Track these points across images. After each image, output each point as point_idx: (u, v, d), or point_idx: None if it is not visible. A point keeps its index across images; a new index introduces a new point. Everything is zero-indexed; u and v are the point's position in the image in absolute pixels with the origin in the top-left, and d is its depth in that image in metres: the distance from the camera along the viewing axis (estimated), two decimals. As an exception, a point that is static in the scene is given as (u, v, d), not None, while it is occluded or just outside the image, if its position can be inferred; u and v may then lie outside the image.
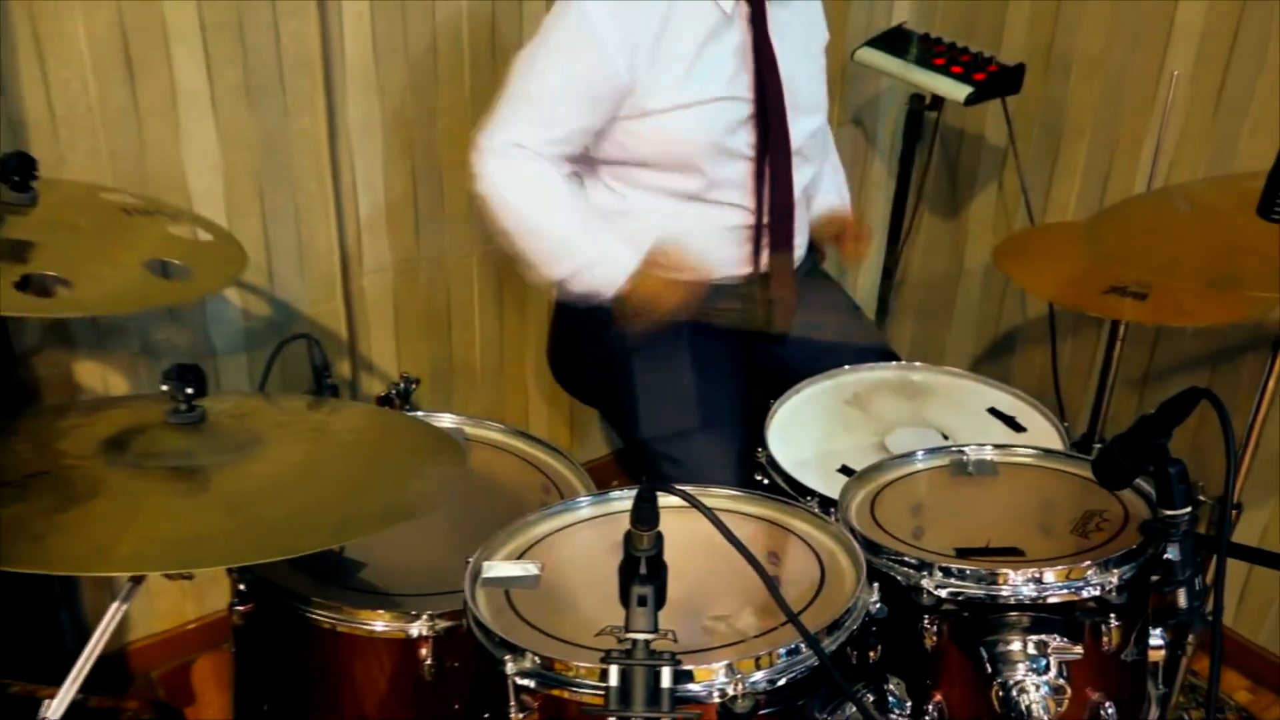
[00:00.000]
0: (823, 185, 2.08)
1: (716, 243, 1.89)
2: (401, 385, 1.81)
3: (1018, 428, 1.73)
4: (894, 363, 1.90)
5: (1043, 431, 1.72)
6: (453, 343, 2.35)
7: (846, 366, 1.86)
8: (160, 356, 1.97)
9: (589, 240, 1.81)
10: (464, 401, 2.40)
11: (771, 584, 1.01)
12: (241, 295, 2.03)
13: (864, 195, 2.60)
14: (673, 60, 1.75)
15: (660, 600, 1.02)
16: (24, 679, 1.81)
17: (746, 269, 1.92)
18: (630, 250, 1.80)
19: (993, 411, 1.77)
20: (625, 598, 1.01)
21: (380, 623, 1.38)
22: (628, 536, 1.01)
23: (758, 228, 1.89)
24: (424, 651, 1.37)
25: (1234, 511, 1.72)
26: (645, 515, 0.99)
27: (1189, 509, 1.14)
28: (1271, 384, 1.56)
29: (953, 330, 2.65)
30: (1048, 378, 2.32)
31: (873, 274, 2.51)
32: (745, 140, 1.83)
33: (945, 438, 1.70)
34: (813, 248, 2.07)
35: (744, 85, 1.81)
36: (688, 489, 1.08)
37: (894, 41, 2.21)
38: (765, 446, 1.68)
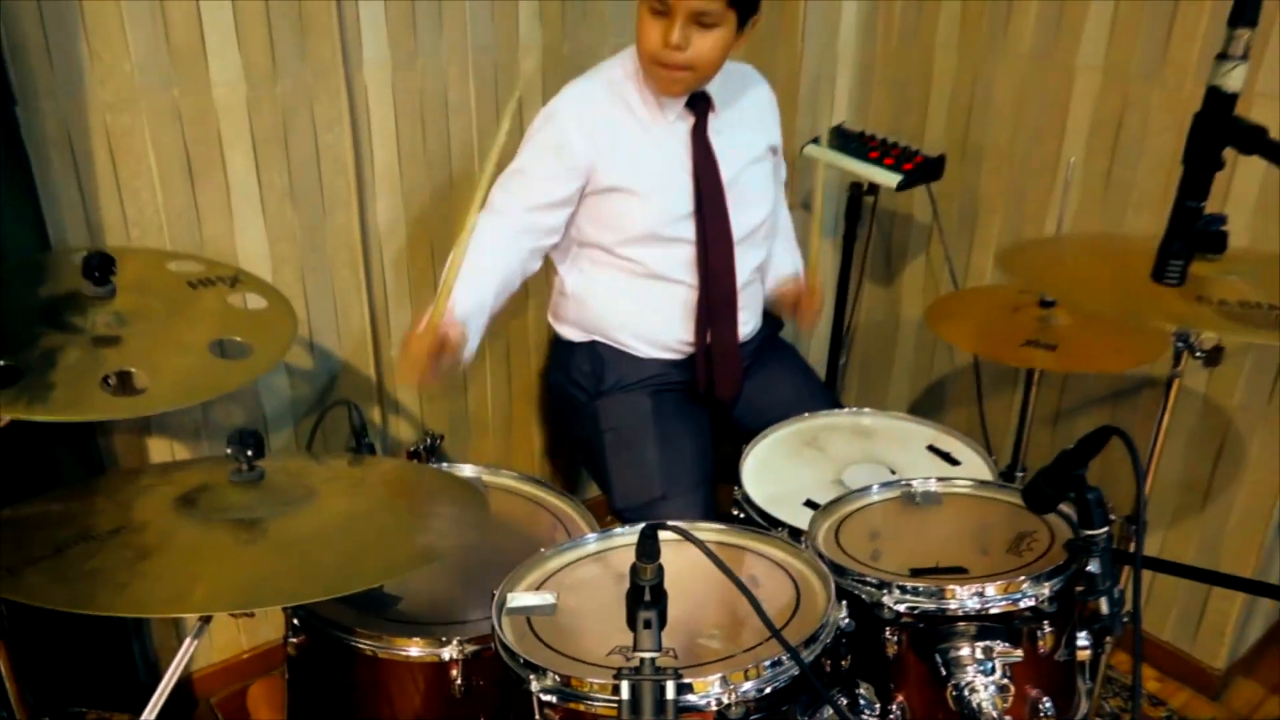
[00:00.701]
0: (778, 259, 2.07)
1: (666, 319, 1.89)
2: (428, 440, 1.79)
3: (953, 461, 1.73)
4: (845, 409, 1.90)
5: (975, 464, 1.72)
6: (468, 399, 2.34)
7: (805, 414, 1.85)
8: (219, 425, 1.95)
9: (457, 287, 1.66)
10: (479, 451, 2.38)
11: (759, 606, 1.00)
12: (288, 368, 2.02)
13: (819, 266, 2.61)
14: (623, 147, 1.78)
15: (662, 623, 1.01)
16: (99, 707, 1.77)
17: (693, 343, 1.90)
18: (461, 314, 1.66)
19: (931, 448, 1.77)
20: (632, 622, 1.00)
21: (415, 648, 1.36)
22: (633, 569, 1.00)
23: (703, 307, 1.87)
24: (454, 673, 1.35)
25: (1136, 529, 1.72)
26: (648, 551, 0.98)
27: (1106, 528, 1.14)
28: (1166, 419, 1.57)
29: (893, 379, 2.65)
30: (975, 418, 2.33)
31: (824, 336, 2.51)
32: (688, 229, 1.83)
33: (893, 472, 1.70)
34: (769, 318, 2.07)
35: (685, 182, 1.81)
36: (682, 525, 1.07)
37: (835, 139, 2.23)
38: (740, 486, 1.67)
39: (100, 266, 1.42)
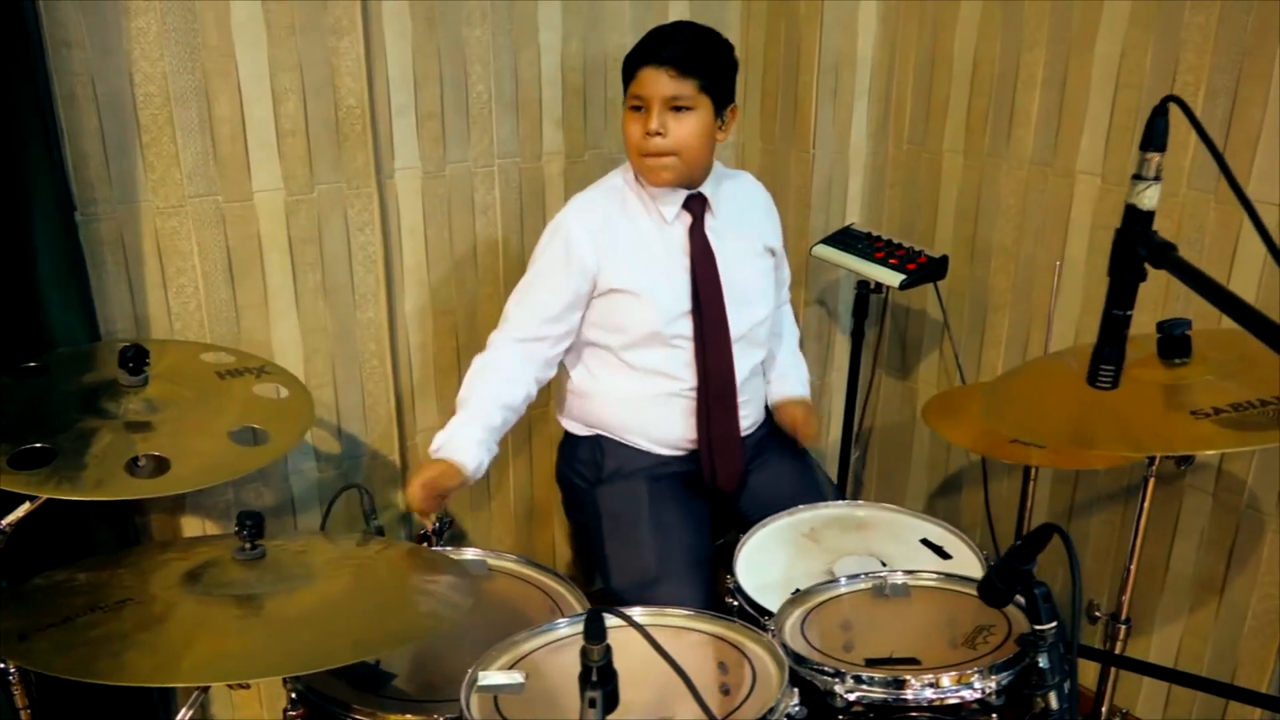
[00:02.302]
0: (780, 370, 2.12)
1: (668, 419, 1.95)
2: (437, 524, 1.87)
3: (945, 555, 1.74)
4: (842, 501, 1.92)
5: (966, 559, 1.73)
6: (490, 488, 2.41)
7: (802, 505, 1.88)
8: (249, 506, 2.03)
9: (458, 420, 1.81)
10: (500, 538, 2.44)
11: (694, 689, 1.04)
12: (315, 452, 2.12)
13: (828, 361, 2.66)
14: (625, 251, 1.87)
15: (612, 703, 1.05)
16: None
17: (695, 437, 1.96)
18: (459, 451, 1.76)
19: (925, 542, 1.78)
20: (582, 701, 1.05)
21: None
22: (582, 650, 1.05)
23: (702, 403, 1.93)
24: (440, 750, 1.40)
25: (1123, 626, 1.70)
26: (594, 633, 1.03)
27: (1054, 624, 1.15)
28: (1143, 521, 1.57)
29: (911, 472, 2.66)
30: (983, 512, 2.33)
31: (836, 429, 2.55)
32: (686, 326, 1.89)
33: (884, 564, 1.71)
34: (771, 412, 2.12)
35: (684, 280, 1.89)
36: (628, 611, 1.12)
37: (842, 239, 2.30)
38: (733, 574, 1.71)
39: (135, 358, 1.55)
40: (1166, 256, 0.95)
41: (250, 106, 1.85)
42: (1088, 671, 2.07)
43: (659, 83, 1.78)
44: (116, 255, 1.80)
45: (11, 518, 1.47)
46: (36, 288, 1.65)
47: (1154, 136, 1.00)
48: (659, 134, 1.80)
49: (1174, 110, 0.98)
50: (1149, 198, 1.00)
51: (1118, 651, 1.68)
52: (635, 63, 1.82)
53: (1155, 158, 1.00)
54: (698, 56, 1.80)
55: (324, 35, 1.89)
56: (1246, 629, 2.01)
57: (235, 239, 1.91)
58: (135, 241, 1.81)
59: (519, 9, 2.11)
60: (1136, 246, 0.99)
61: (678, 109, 1.80)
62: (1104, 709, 1.79)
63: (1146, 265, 0.98)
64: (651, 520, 1.87)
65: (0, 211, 1.59)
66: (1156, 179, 1.01)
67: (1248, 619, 2.01)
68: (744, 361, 1.95)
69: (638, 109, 1.82)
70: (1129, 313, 1.05)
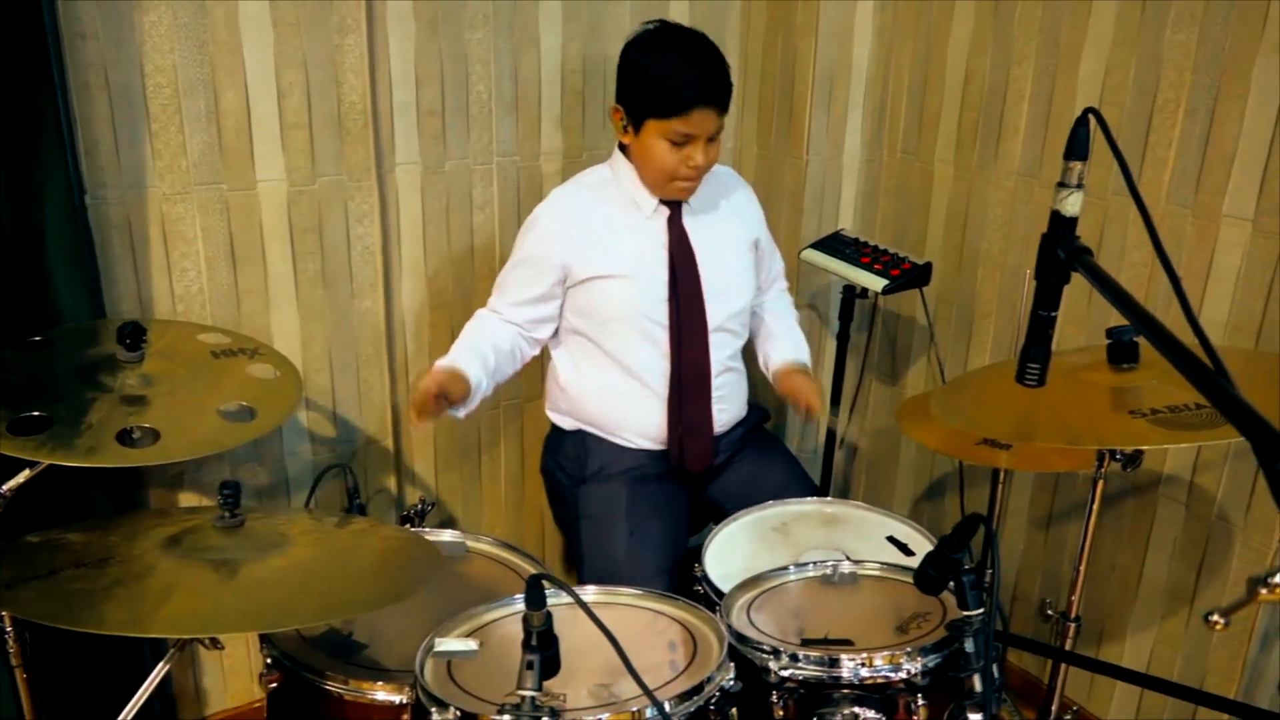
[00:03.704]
0: (779, 341, 2.17)
1: (645, 409, 2.01)
2: (419, 506, 1.94)
3: (909, 552, 1.79)
4: (813, 497, 1.98)
5: (929, 556, 1.78)
6: (482, 478, 2.48)
7: (773, 501, 1.94)
8: (246, 483, 2.11)
9: (452, 351, 1.92)
10: (491, 525, 2.51)
11: (626, 658, 1.09)
12: (311, 435, 2.20)
13: (816, 364, 2.69)
14: (600, 240, 1.93)
15: (551, 668, 1.12)
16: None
17: (667, 420, 2.02)
18: (459, 361, 1.87)
19: (890, 539, 1.83)
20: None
21: (380, 692, 1.45)
22: (524, 617, 1.12)
23: (674, 389, 1.99)
24: (405, 717, 1.45)
25: (1073, 624, 1.75)
26: (534, 599, 1.10)
27: (981, 610, 1.20)
28: (1093, 519, 1.62)
29: (899, 474, 2.71)
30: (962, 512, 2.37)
31: (822, 431, 2.59)
32: (663, 314, 1.96)
33: (847, 558, 1.77)
34: (755, 410, 2.18)
35: (662, 266, 1.95)
36: (568, 585, 1.19)
37: (831, 244, 2.35)
38: (701, 563, 1.77)
39: (132, 335, 1.64)
40: (1081, 260, 1.01)
41: (256, 99, 1.94)
42: (1042, 667, 2.10)
43: (708, 121, 1.84)
44: (123, 238, 1.89)
45: (12, 483, 1.55)
46: (45, 267, 1.74)
47: (1075, 146, 1.05)
48: (704, 167, 1.88)
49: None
50: (1071, 204, 1.06)
51: (1067, 648, 1.72)
52: (688, 103, 1.81)
53: (1077, 166, 1.05)
54: (731, 89, 1.87)
55: (329, 33, 1.97)
56: (1215, 637, 2.04)
57: (238, 226, 1.99)
58: (142, 225, 1.90)
59: (520, 12, 2.19)
60: (1057, 249, 1.04)
61: (711, 138, 1.88)
62: (1054, 706, 1.83)
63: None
64: (628, 526, 1.93)
65: (14, 193, 1.68)
66: (1079, 186, 1.06)
67: (1216, 629, 2.04)
68: (720, 352, 2.01)
69: (679, 144, 1.86)
70: (1054, 314, 1.10)
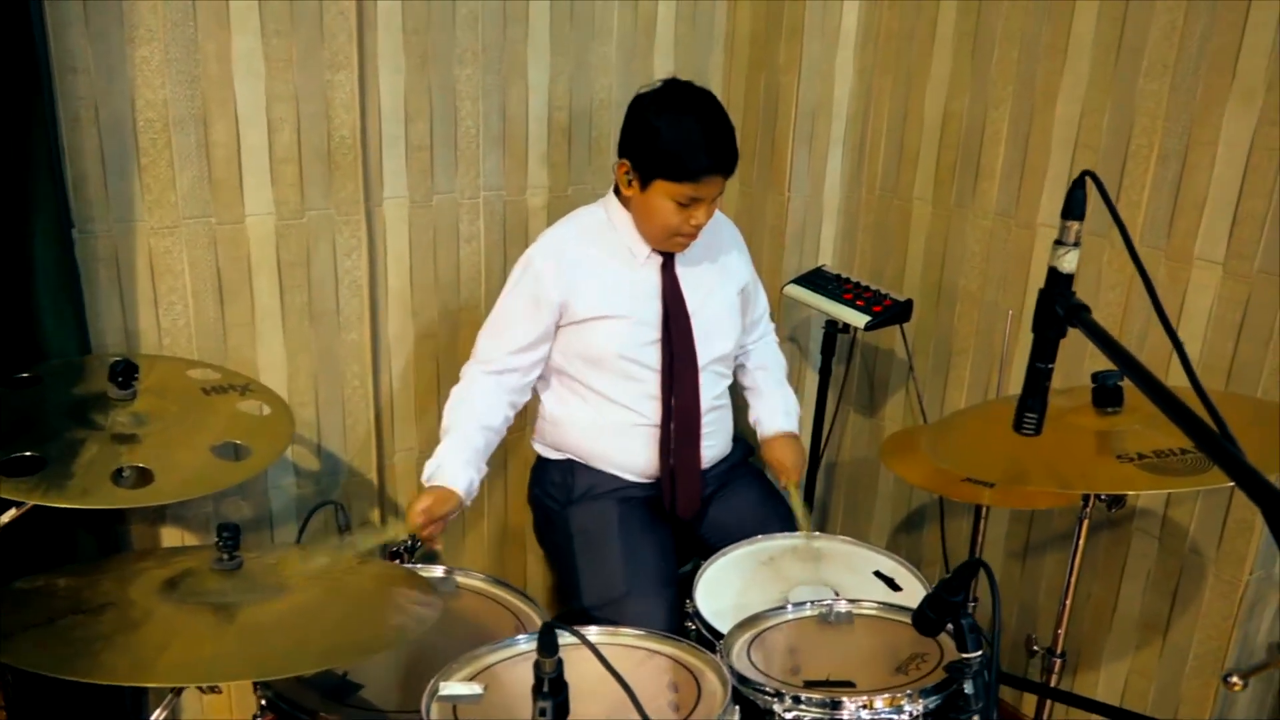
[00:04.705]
0: (768, 404, 2.20)
1: (634, 448, 2.04)
2: (409, 542, 1.93)
3: (896, 588, 1.82)
4: (800, 532, 2.00)
5: (916, 591, 1.80)
6: (465, 509, 2.48)
7: (761, 535, 1.96)
8: (228, 518, 2.09)
9: (444, 447, 1.92)
10: (473, 557, 2.51)
11: (638, 704, 1.11)
12: (295, 468, 2.19)
13: (796, 393, 2.74)
14: (594, 283, 1.96)
15: (562, 713, 1.13)
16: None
17: (658, 464, 2.04)
18: (450, 477, 1.86)
19: (878, 574, 1.86)
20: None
21: None
22: (535, 663, 1.12)
23: (666, 430, 2.02)
24: (400, 758, 1.46)
25: (1059, 660, 1.79)
26: (547, 646, 1.11)
27: (979, 652, 1.23)
28: (1079, 557, 1.66)
29: (877, 506, 2.75)
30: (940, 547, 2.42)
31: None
32: (653, 356, 1.99)
33: (836, 594, 1.79)
34: (739, 443, 2.20)
35: (654, 311, 1.98)
36: (581, 630, 1.20)
37: (813, 280, 2.40)
38: (692, 599, 1.78)
39: (124, 372, 1.62)
40: (1080, 317, 1.05)
41: (246, 134, 1.94)
42: (1028, 703, 2.15)
43: (715, 185, 1.90)
44: (110, 272, 1.88)
45: (-1, 522, 1.54)
46: (33, 300, 1.73)
47: (1073, 206, 1.09)
48: (702, 224, 1.92)
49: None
50: (1069, 261, 1.10)
51: (1052, 684, 1.76)
52: (701, 170, 1.86)
53: (1075, 226, 1.09)
54: (738, 154, 1.92)
55: (320, 69, 1.98)
56: (1188, 669, 2.10)
57: (226, 260, 1.99)
58: (129, 259, 1.89)
59: (509, 49, 2.21)
60: (1055, 306, 1.08)
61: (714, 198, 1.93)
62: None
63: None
64: (622, 540, 1.95)
65: (4, 226, 1.67)
66: (1076, 245, 1.10)
67: (1189, 659, 2.09)
68: (708, 391, 2.04)
69: (685, 206, 1.89)
70: (1050, 366, 1.14)
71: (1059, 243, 1.10)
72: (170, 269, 1.93)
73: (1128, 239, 1.07)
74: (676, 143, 1.86)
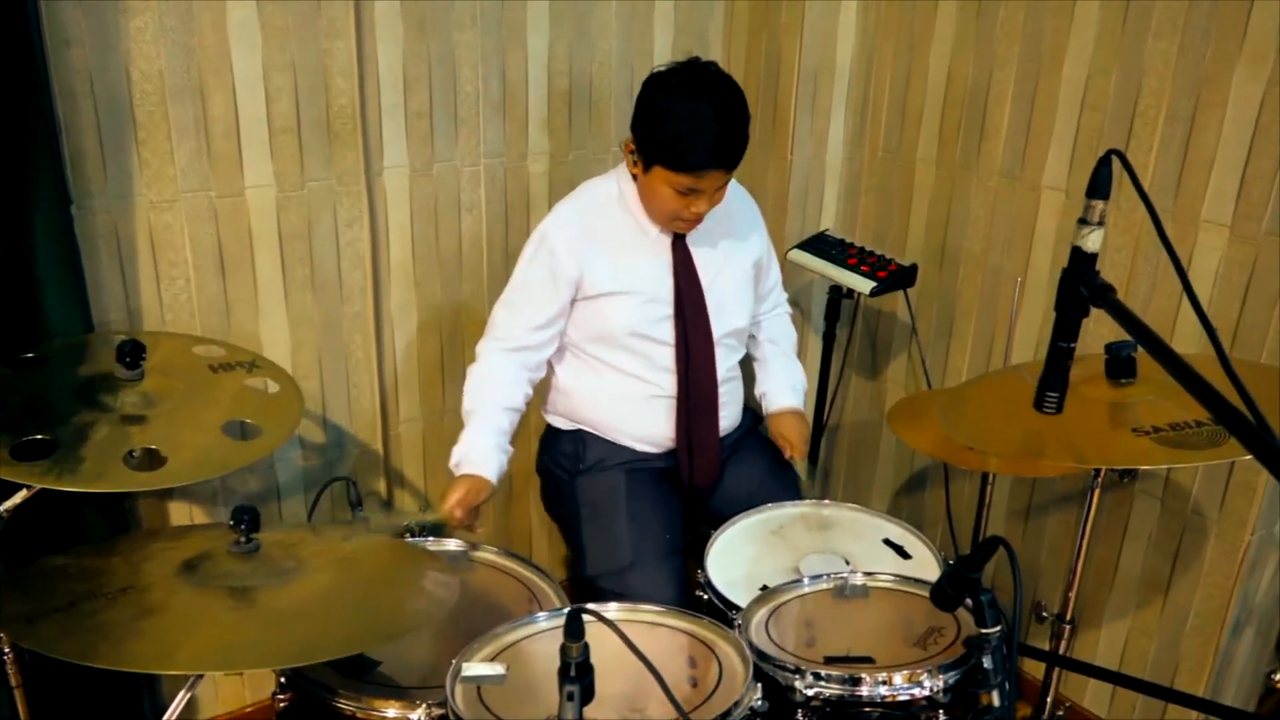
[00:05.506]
0: (775, 379, 2.19)
1: (649, 419, 2.03)
2: (421, 521, 1.93)
3: (905, 555, 1.83)
4: (809, 500, 2.01)
5: (925, 559, 1.82)
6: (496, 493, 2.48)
7: (770, 504, 1.97)
8: (236, 492, 2.10)
9: (469, 432, 1.92)
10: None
11: (664, 683, 1.12)
12: (301, 441, 2.18)
13: (800, 358, 2.74)
14: (607, 259, 1.94)
15: (588, 695, 1.14)
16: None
17: (674, 437, 2.04)
18: (479, 464, 1.86)
19: (886, 541, 1.88)
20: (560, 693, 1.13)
21: (391, 710, 1.45)
22: (562, 648, 1.13)
23: (683, 405, 2.01)
24: (419, 735, 1.47)
25: (1068, 626, 1.81)
26: (574, 631, 1.12)
27: (999, 627, 1.25)
28: (1089, 525, 1.67)
29: (878, 472, 2.76)
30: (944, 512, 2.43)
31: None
32: (667, 332, 1.97)
33: (847, 563, 1.81)
34: (748, 412, 2.20)
35: (667, 288, 1.97)
36: (605, 611, 1.21)
37: (817, 245, 2.38)
38: (704, 569, 1.80)
39: (132, 353, 1.61)
40: (1105, 298, 1.04)
41: (244, 105, 1.91)
42: (1037, 665, 2.18)
43: (716, 179, 1.85)
44: (111, 248, 1.85)
45: (9, 504, 1.53)
46: (34, 279, 1.70)
47: (1099, 186, 1.08)
48: (702, 213, 1.89)
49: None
50: (1093, 241, 1.09)
51: (1061, 650, 1.79)
52: (701, 164, 1.80)
53: (1099, 205, 1.08)
54: (746, 146, 1.87)
55: (317, 37, 1.94)
56: (1188, 628, 2.13)
57: (226, 234, 1.96)
58: (129, 235, 1.86)
59: (508, 14, 2.17)
60: (1080, 286, 1.08)
61: (717, 188, 1.88)
62: (1049, 699, 1.90)
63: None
64: (629, 510, 1.96)
65: (3, 204, 1.64)
66: (1100, 224, 1.09)
67: (1189, 618, 2.12)
68: (722, 362, 2.04)
69: (685, 195, 1.85)
70: (1073, 345, 1.14)
71: (1083, 221, 1.10)
72: (171, 244, 1.91)
73: (1157, 220, 1.06)
74: (679, 132, 1.80)
